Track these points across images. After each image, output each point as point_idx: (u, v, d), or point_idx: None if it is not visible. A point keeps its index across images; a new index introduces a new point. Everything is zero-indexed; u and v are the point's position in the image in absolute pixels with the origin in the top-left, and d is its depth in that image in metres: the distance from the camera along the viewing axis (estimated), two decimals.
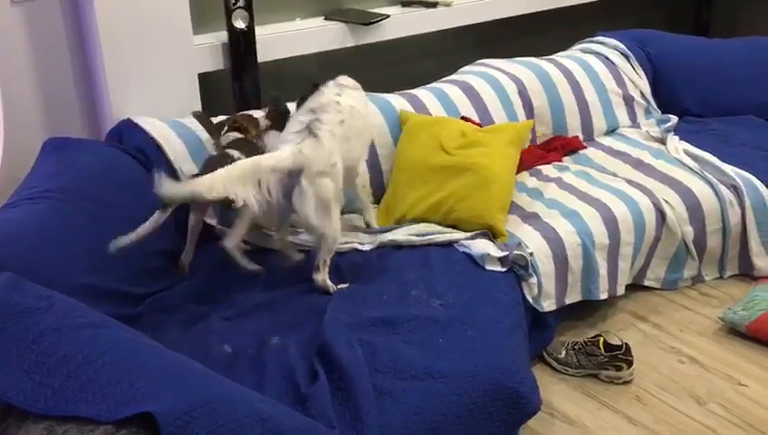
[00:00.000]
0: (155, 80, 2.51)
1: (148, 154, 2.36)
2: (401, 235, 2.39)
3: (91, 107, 2.60)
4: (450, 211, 2.44)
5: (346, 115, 2.17)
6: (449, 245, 2.34)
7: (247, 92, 2.73)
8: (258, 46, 2.70)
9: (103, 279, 1.93)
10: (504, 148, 2.58)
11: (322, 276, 2.13)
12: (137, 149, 2.36)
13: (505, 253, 2.25)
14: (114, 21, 2.39)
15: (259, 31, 2.72)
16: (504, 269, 2.23)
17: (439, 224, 2.45)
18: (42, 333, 1.42)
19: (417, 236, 2.37)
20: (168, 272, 2.18)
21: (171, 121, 2.47)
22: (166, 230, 2.27)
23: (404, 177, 2.57)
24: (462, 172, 2.48)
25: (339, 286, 2.16)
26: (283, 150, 2.04)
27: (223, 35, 2.67)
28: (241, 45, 2.66)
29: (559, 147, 3.01)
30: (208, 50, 2.66)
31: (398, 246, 2.35)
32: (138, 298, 2.04)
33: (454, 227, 2.44)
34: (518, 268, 2.26)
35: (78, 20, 2.48)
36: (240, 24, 2.62)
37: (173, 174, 2.34)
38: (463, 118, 2.81)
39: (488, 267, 2.23)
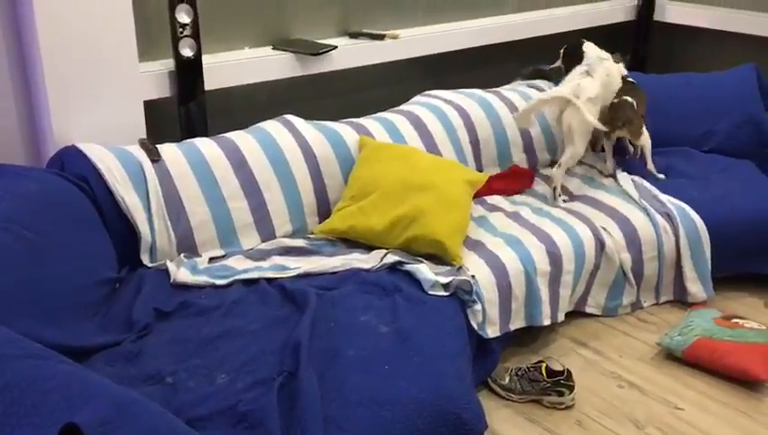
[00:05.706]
0: (99, 106, 2.49)
1: (90, 182, 2.32)
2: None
3: (32, 133, 2.55)
4: (405, 229, 2.44)
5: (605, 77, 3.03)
6: (395, 269, 2.37)
7: (194, 120, 2.72)
8: (205, 74, 2.70)
9: (42, 311, 1.88)
10: (463, 183, 2.64)
11: (557, 172, 2.94)
12: (79, 176, 2.32)
13: (450, 278, 2.28)
14: (58, 47, 2.36)
15: (206, 59, 2.72)
16: (447, 294, 2.26)
17: (387, 248, 2.47)
18: None
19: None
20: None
21: (115, 149, 2.44)
22: (108, 258, 2.26)
23: (362, 194, 2.57)
24: (423, 190, 2.52)
25: (563, 198, 2.93)
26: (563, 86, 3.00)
27: (170, 63, 2.66)
28: (188, 73, 2.66)
29: (514, 178, 3.10)
30: (154, 77, 2.64)
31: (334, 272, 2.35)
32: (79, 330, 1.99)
33: (403, 250, 2.46)
34: (462, 293, 2.29)
35: (20, 45, 2.44)
36: (187, 52, 2.62)
37: (113, 203, 2.32)
38: None
39: (431, 292, 2.26)
